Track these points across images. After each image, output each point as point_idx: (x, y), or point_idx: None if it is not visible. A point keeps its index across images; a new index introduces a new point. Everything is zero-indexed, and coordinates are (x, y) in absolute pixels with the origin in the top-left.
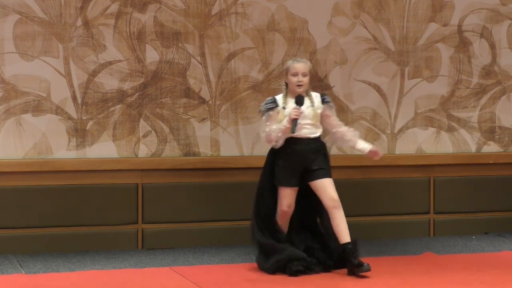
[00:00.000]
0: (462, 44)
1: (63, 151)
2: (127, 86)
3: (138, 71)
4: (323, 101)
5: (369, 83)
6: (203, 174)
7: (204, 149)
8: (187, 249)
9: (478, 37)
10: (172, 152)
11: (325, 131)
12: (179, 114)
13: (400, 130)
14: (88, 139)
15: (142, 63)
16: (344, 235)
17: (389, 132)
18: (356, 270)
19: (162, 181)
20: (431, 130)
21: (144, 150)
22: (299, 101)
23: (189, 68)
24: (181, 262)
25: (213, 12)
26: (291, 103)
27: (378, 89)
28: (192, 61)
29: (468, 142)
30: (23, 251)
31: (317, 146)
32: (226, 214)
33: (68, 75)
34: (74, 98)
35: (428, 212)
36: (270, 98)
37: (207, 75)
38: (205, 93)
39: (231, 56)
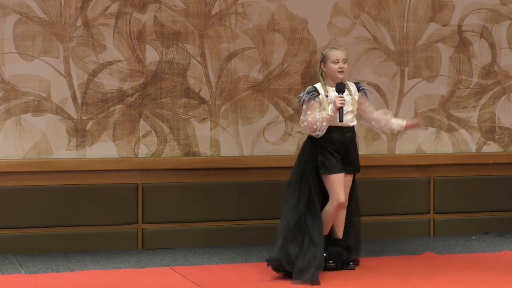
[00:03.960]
0: (462, 44)
1: (63, 151)
2: (127, 86)
3: (138, 71)
4: (359, 89)
5: (369, 83)
6: (203, 174)
7: (204, 149)
8: (187, 249)
9: (478, 37)
10: (172, 152)
11: (359, 118)
12: (179, 114)
13: (400, 130)
14: (88, 139)
15: (142, 63)
16: (340, 231)
17: (389, 132)
18: (343, 266)
19: (162, 181)
20: (431, 130)
21: (144, 150)
22: (341, 89)
23: (189, 68)
24: (181, 262)
25: (213, 12)
26: (331, 92)
27: (378, 89)
28: (192, 61)
29: (468, 142)
30: (23, 251)
31: (353, 135)
32: (226, 214)
33: (68, 75)
34: (74, 98)
35: (428, 212)
36: (311, 87)
37: (207, 75)
38: (205, 93)
39: (231, 56)
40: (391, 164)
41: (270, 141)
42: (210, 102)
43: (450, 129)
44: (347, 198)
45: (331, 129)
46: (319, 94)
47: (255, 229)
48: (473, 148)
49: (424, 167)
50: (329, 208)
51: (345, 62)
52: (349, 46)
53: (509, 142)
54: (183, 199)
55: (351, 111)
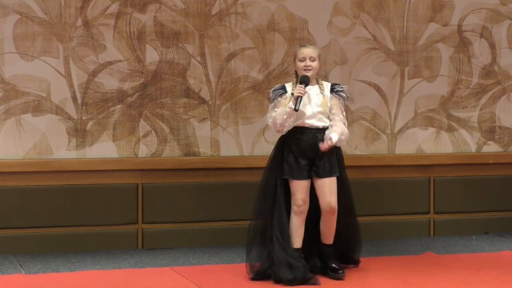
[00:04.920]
0: (462, 44)
1: (63, 151)
2: (127, 86)
3: (138, 71)
4: (332, 90)
5: (369, 83)
6: (203, 174)
7: (204, 149)
8: (187, 249)
9: (478, 37)
10: (172, 152)
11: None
12: (179, 114)
13: (400, 130)
14: (88, 139)
15: (142, 63)
16: (327, 236)
17: (389, 132)
18: (331, 273)
19: (162, 181)
20: (431, 130)
21: (144, 150)
22: (304, 80)
23: (189, 68)
24: (181, 262)
25: (213, 12)
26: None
27: (378, 89)
28: (192, 61)
29: (468, 142)
30: (23, 251)
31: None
32: (226, 214)
33: (68, 75)
34: (74, 98)
35: (428, 212)
36: (279, 85)
37: (207, 75)
38: (205, 93)
39: (231, 56)
40: (391, 164)
41: (270, 141)
42: (210, 102)
43: (450, 129)
44: (333, 201)
45: (297, 129)
46: (285, 91)
47: None
48: (473, 148)
49: (424, 167)
50: (291, 215)
51: (313, 60)
52: (349, 46)
53: (509, 142)
54: (183, 199)
55: (320, 112)
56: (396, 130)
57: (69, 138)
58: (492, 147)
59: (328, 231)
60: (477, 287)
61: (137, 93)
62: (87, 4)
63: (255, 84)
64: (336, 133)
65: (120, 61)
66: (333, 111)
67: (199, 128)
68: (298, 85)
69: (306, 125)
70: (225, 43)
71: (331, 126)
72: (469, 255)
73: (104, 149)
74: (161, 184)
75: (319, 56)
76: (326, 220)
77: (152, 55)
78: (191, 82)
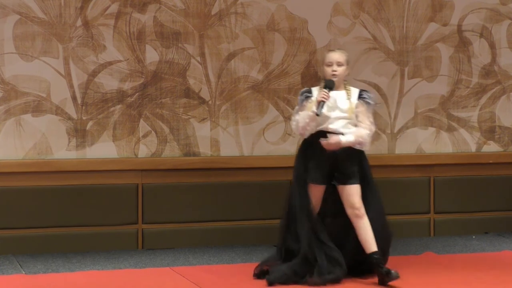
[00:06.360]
0: (462, 44)
1: (63, 151)
2: (127, 86)
3: (138, 71)
4: (360, 96)
5: (369, 83)
6: (203, 174)
7: (204, 149)
8: (187, 249)
9: (478, 36)
10: (172, 152)
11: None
12: (179, 114)
13: (400, 130)
14: (88, 139)
15: (142, 63)
16: (369, 244)
17: (389, 132)
18: (385, 279)
19: (162, 181)
20: (431, 130)
21: (144, 150)
22: (328, 85)
23: (189, 68)
24: (181, 262)
25: (213, 12)
26: None
27: (378, 89)
28: (192, 61)
29: (468, 142)
30: (23, 252)
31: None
32: (226, 214)
33: (68, 76)
34: (74, 98)
35: (428, 212)
36: (306, 88)
37: (207, 75)
38: (205, 93)
39: (231, 56)
40: (391, 164)
41: (270, 141)
42: (210, 102)
43: (450, 129)
44: (357, 204)
45: (321, 134)
46: (311, 95)
47: (255, 229)
48: (473, 148)
49: (424, 167)
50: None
51: (340, 65)
52: (349, 46)
53: (509, 141)
54: (183, 199)
55: (346, 118)
56: (396, 130)
57: (69, 138)
58: (492, 147)
59: (366, 238)
60: (477, 287)
61: (137, 93)
62: (87, 4)
63: (255, 84)
64: (350, 135)
65: (120, 61)
66: (359, 118)
67: (199, 128)
68: (322, 90)
69: (330, 130)
70: (225, 43)
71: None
72: (469, 255)
73: (104, 149)
74: (161, 184)
75: (347, 61)
76: (358, 227)
77: (152, 55)
78: (191, 82)
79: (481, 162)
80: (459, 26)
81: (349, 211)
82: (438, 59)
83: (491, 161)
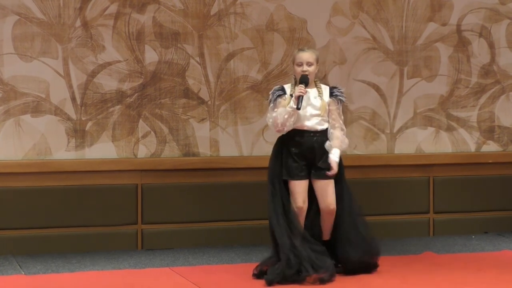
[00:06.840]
0: (461, 44)
1: (62, 151)
2: (126, 86)
3: (137, 72)
4: (331, 94)
5: (368, 83)
6: (202, 174)
7: (204, 149)
8: (187, 249)
9: (477, 36)
10: (171, 152)
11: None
12: (178, 114)
13: (400, 130)
14: (87, 139)
15: (141, 64)
16: (327, 234)
17: (388, 131)
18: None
19: (162, 181)
20: (430, 129)
21: (143, 151)
22: (304, 80)
23: (188, 69)
24: (181, 262)
25: (212, 13)
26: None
27: (377, 89)
28: (191, 62)
29: (468, 142)
30: (23, 252)
31: (324, 140)
32: (225, 214)
33: (67, 76)
34: (73, 98)
35: (427, 212)
36: (278, 86)
37: (206, 75)
38: (204, 94)
39: (230, 56)
40: (390, 163)
41: (270, 141)
42: (209, 102)
43: (449, 129)
44: (333, 203)
45: (296, 132)
46: (285, 93)
47: (255, 229)
48: (472, 148)
49: (423, 166)
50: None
51: (310, 65)
52: (348, 46)
53: (509, 141)
54: (182, 199)
55: (319, 115)
56: (395, 129)
57: (68, 139)
58: (491, 147)
59: (326, 230)
60: (476, 286)
61: (136, 94)
62: (86, 4)
63: (254, 84)
64: (336, 149)
65: (119, 61)
66: (333, 116)
67: (198, 129)
68: (299, 85)
69: (306, 128)
70: (224, 43)
71: (331, 133)
72: (469, 255)
73: (103, 150)
74: (161, 184)
75: (317, 60)
76: (325, 220)
77: (151, 56)
78: (190, 83)
79: (480, 162)
80: (458, 26)
81: (322, 205)
82: (437, 59)
83: (490, 161)
